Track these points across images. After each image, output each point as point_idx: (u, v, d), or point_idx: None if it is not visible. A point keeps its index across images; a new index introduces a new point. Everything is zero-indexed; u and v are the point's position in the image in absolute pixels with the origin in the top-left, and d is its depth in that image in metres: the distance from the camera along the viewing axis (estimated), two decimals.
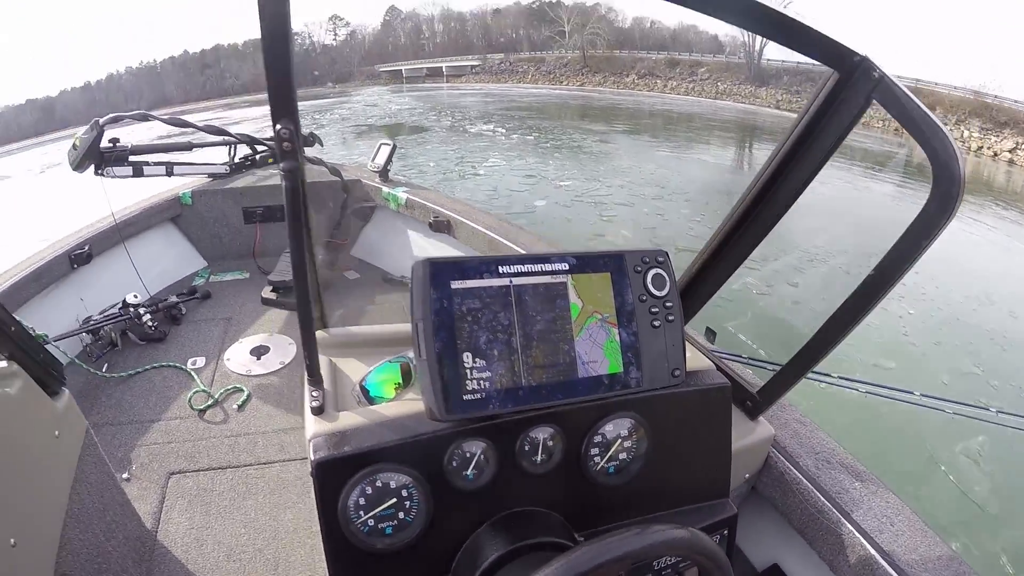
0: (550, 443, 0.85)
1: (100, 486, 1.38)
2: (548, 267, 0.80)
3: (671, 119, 25.92)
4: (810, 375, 1.06)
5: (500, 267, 0.77)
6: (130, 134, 2.83)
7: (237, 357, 2.46)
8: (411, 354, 0.92)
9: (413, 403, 0.86)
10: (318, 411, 0.86)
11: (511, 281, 0.78)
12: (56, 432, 1.24)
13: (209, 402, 2.19)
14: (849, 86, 0.84)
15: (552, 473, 0.86)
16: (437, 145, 14.80)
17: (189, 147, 3.11)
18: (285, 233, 2.42)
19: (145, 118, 2.83)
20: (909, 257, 0.82)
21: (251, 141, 3.36)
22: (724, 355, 1.25)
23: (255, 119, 35.69)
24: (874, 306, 0.89)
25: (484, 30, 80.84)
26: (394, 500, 0.78)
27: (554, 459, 0.86)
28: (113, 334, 2.51)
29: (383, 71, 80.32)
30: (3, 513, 1.02)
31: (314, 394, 0.89)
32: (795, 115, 0.92)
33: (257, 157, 3.52)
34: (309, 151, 3.73)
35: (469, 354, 0.74)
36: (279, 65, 0.68)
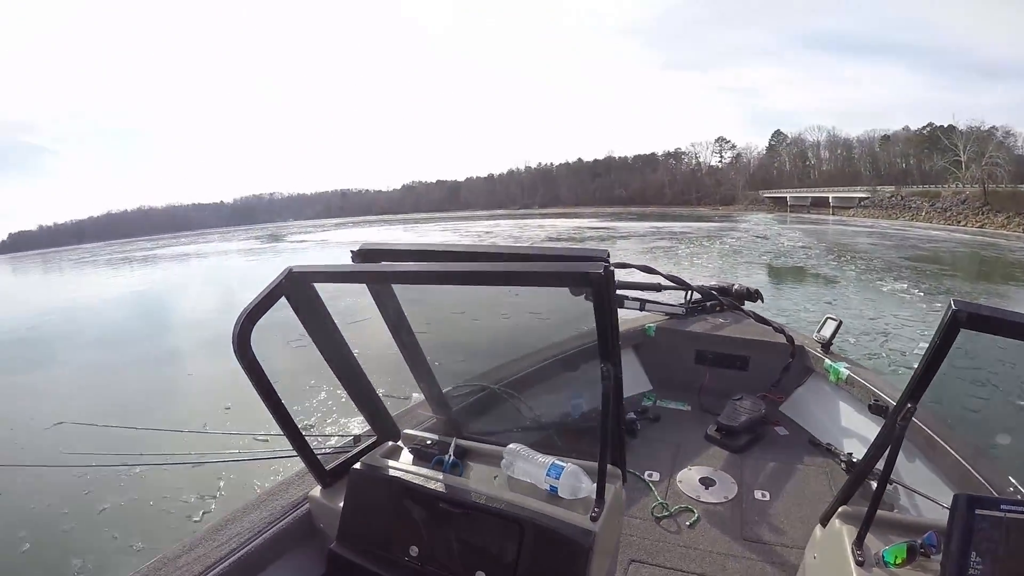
0: None
1: (611, 562, 1.94)
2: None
3: None
4: None
5: (1002, 505, 1.33)
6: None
7: (687, 481, 3.01)
8: (917, 540, 1.47)
9: (911, 571, 1.43)
10: (860, 563, 1.46)
11: (1004, 514, 1.32)
12: (616, 520, 1.84)
13: (665, 513, 2.76)
14: None
15: None
16: (850, 308, 13.92)
17: (658, 288, 4.08)
18: (730, 377, 3.11)
19: (649, 271, 3.81)
20: None
21: (705, 291, 4.31)
22: None
23: (641, 235, 38.75)
24: None
25: (872, 158, 78.08)
26: None
27: None
28: None
29: (767, 197, 79.99)
30: None
31: (858, 552, 1.48)
32: None
33: (708, 304, 4.34)
34: (751, 305, 4.37)
35: (974, 552, 1.32)
36: None
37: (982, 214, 50.73)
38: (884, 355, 9.97)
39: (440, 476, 1.83)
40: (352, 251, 1.87)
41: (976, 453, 2.55)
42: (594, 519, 1.57)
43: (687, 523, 2.74)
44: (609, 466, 1.71)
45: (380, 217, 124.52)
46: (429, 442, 2.00)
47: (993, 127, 61.76)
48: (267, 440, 5.50)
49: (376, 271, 1.82)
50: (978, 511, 1.33)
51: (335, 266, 1.76)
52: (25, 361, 14.19)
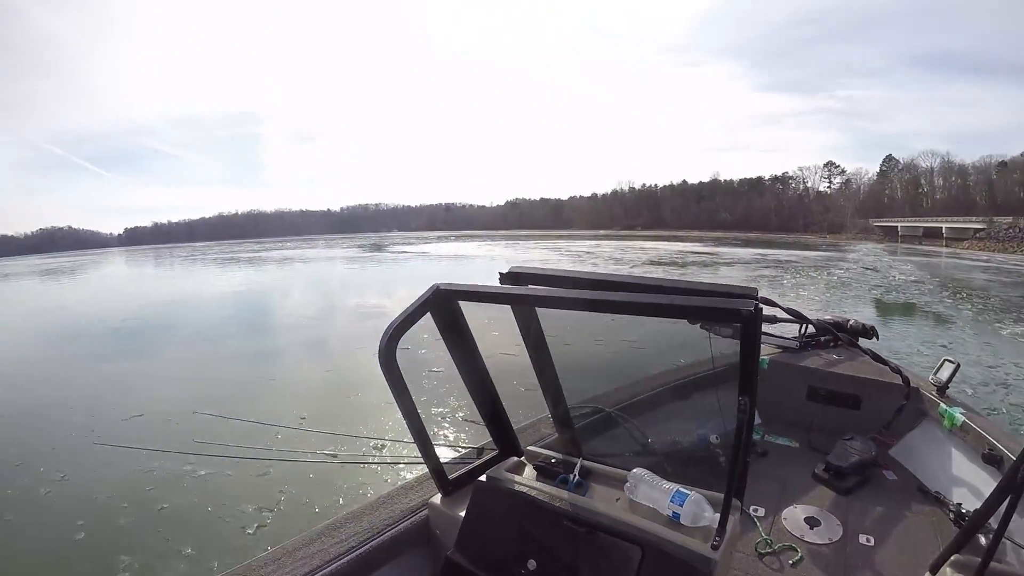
0: None
1: None
2: None
3: None
4: None
5: None
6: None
7: (792, 519, 2.98)
8: None
9: None
10: None
11: None
12: (732, 552, 1.85)
13: (768, 550, 2.75)
14: None
15: None
16: (967, 352, 12.68)
17: (773, 320, 4.04)
18: (840, 416, 3.07)
19: (768, 303, 3.74)
20: None
21: (822, 326, 4.22)
22: None
23: (746, 262, 37.74)
24: None
25: (988, 186, 74.96)
26: None
27: None
28: None
29: (876, 226, 77.08)
30: None
31: None
32: None
33: (822, 339, 4.26)
34: (865, 343, 4.24)
35: None
36: None
37: None
38: (1004, 411, 9.11)
39: (565, 495, 1.94)
40: (500, 273, 2.00)
41: None
42: (715, 547, 1.62)
43: (790, 562, 2.72)
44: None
45: (482, 232, 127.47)
46: (553, 460, 2.12)
47: None
48: (336, 454, 5.62)
49: (523, 294, 1.94)
50: None
51: (483, 286, 1.90)
52: (117, 350, 15.20)
